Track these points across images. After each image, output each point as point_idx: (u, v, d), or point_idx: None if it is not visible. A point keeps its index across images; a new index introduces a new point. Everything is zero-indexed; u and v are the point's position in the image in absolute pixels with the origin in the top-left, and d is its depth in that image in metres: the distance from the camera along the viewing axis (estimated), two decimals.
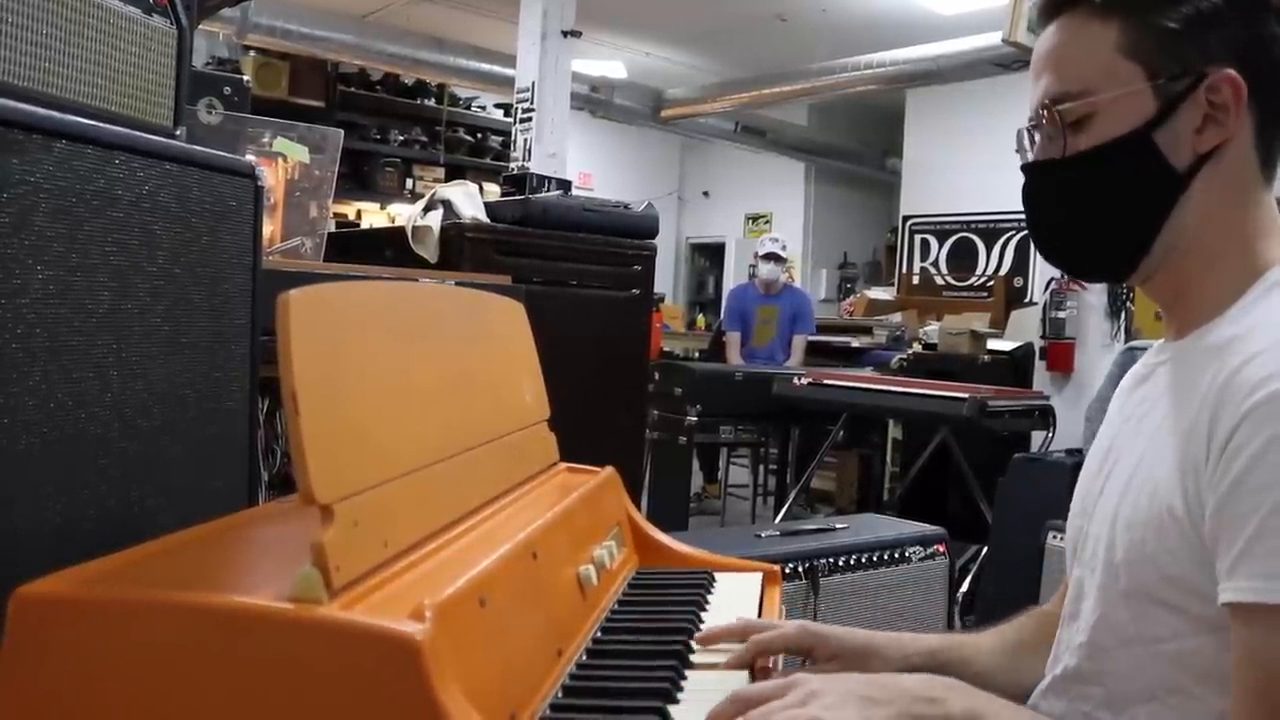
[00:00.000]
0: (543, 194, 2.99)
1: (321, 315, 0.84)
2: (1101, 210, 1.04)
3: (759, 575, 1.42)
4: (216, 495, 1.39)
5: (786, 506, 4.95)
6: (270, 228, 3.23)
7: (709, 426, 4.91)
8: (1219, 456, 0.88)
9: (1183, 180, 1.00)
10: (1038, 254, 1.16)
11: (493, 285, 2.30)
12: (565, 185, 3.22)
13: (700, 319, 11.04)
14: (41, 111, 1.12)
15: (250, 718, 0.74)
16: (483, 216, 2.78)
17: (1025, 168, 1.09)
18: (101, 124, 1.20)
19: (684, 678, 1.01)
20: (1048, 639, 1.16)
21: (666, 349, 8.48)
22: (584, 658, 1.05)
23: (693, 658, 1.08)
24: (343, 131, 2.35)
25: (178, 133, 1.42)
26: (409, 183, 9.31)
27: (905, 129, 9.96)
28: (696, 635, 1.14)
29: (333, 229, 7.47)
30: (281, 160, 3.32)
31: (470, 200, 2.77)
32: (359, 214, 9.23)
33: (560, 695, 0.95)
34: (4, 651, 0.78)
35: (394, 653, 0.72)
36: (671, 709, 0.92)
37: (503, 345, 1.31)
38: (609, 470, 1.43)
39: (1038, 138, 1.07)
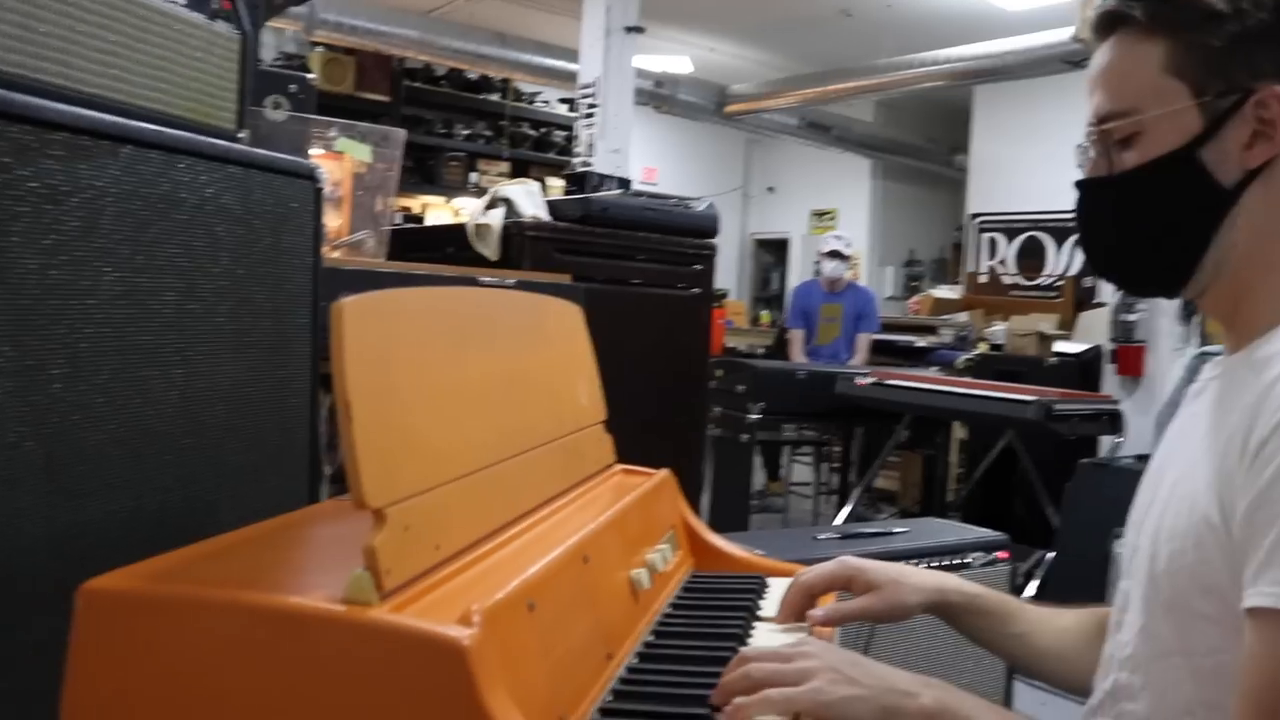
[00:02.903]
0: (603, 192, 2.99)
1: (374, 323, 0.85)
2: (1149, 227, 1.05)
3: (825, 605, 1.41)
4: (278, 491, 1.41)
5: (849, 506, 4.91)
6: (337, 221, 3.29)
7: (771, 424, 4.88)
8: (1250, 465, 0.88)
9: (1231, 196, 0.99)
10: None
11: (552, 284, 2.32)
12: (625, 183, 3.22)
13: (764, 315, 11.00)
14: (108, 118, 1.14)
15: (302, 715, 0.75)
16: (544, 215, 2.80)
17: (1077, 184, 1.10)
18: (166, 129, 1.23)
19: None
20: (1100, 634, 1.17)
21: (730, 345, 8.45)
22: (635, 661, 1.06)
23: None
24: (405, 131, 2.37)
25: (241, 135, 1.45)
26: (473, 177, 9.37)
27: (972, 125, 9.84)
28: (777, 615, 1.22)
29: (398, 222, 7.56)
30: (349, 155, 3.37)
31: (531, 199, 2.78)
32: (424, 207, 9.32)
33: (609, 699, 0.96)
34: (72, 644, 0.80)
35: (441, 656, 0.73)
36: (720, 716, 0.92)
37: (558, 347, 1.32)
38: (664, 473, 1.44)
39: (1091, 155, 1.07)
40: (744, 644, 1.14)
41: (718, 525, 4.54)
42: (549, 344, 1.29)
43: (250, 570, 0.89)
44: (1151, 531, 1.04)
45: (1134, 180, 1.03)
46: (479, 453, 1.00)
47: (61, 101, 1.11)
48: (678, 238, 3.00)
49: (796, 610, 1.22)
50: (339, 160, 3.28)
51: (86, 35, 1.20)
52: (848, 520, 4.74)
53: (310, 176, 1.48)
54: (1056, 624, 1.25)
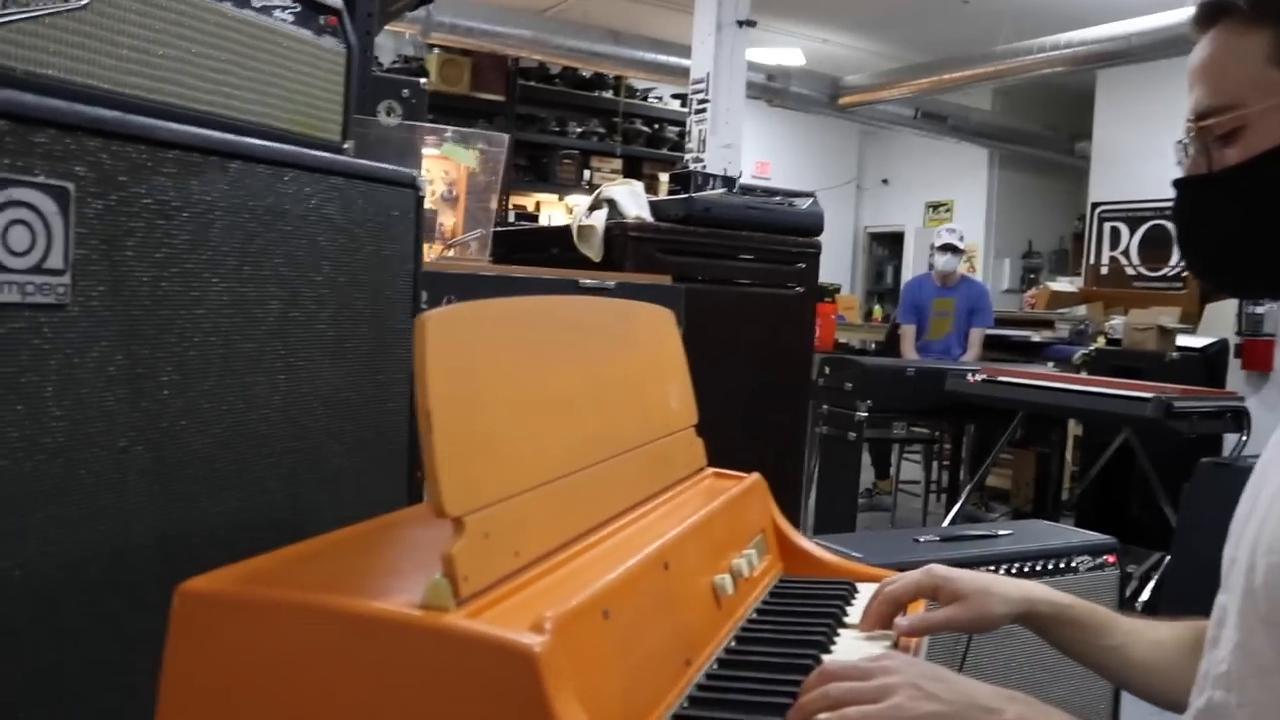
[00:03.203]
0: (706, 192, 3.00)
1: (457, 335, 0.88)
2: (1252, 227, 1.01)
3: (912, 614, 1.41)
4: (379, 493, 1.46)
5: (958, 506, 4.84)
6: (452, 220, 3.36)
7: (880, 422, 4.84)
8: None
9: None
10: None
11: (651, 285, 2.34)
12: (730, 182, 3.22)
13: (877, 310, 10.87)
14: (218, 135, 1.20)
15: (380, 717, 0.78)
16: (647, 215, 2.82)
17: (1175, 183, 1.07)
18: (272, 143, 1.28)
19: None
20: (1197, 649, 1.14)
21: (842, 340, 8.37)
22: (715, 667, 1.07)
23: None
24: (508, 135, 2.42)
25: (345, 146, 1.50)
26: (586, 174, 9.47)
27: (1095, 111, 9.58)
28: (860, 623, 1.21)
29: (511, 221, 7.67)
30: (476, 152, 3.44)
31: (634, 199, 2.81)
32: (538, 205, 9.45)
33: (685, 705, 0.97)
34: (169, 642, 0.85)
35: (512, 663, 0.75)
36: None
37: (648, 353, 1.34)
38: (754, 477, 1.44)
39: (1190, 152, 1.04)
40: (827, 651, 1.14)
41: (824, 525, 4.52)
42: (637, 349, 1.31)
43: (340, 573, 0.93)
44: (1250, 542, 1.00)
45: (1236, 178, 1.00)
46: (561, 460, 1.02)
47: (175, 120, 1.17)
48: (782, 236, 3.00)
49: (881, 620, 1.20)
50: (452, 160, 3.36)
51: (200, 55, 1.26)
52: (957, 520, 4.67)
53: (411, 185, 1.52)
54: (1152, 636, 1.22)
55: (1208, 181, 1.03)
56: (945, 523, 4.73)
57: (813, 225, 3.11)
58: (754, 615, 1.24)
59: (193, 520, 1.17)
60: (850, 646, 1.15)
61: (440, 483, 0.81)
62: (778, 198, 3.20)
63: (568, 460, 1.04)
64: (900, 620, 1.19)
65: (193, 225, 1.16)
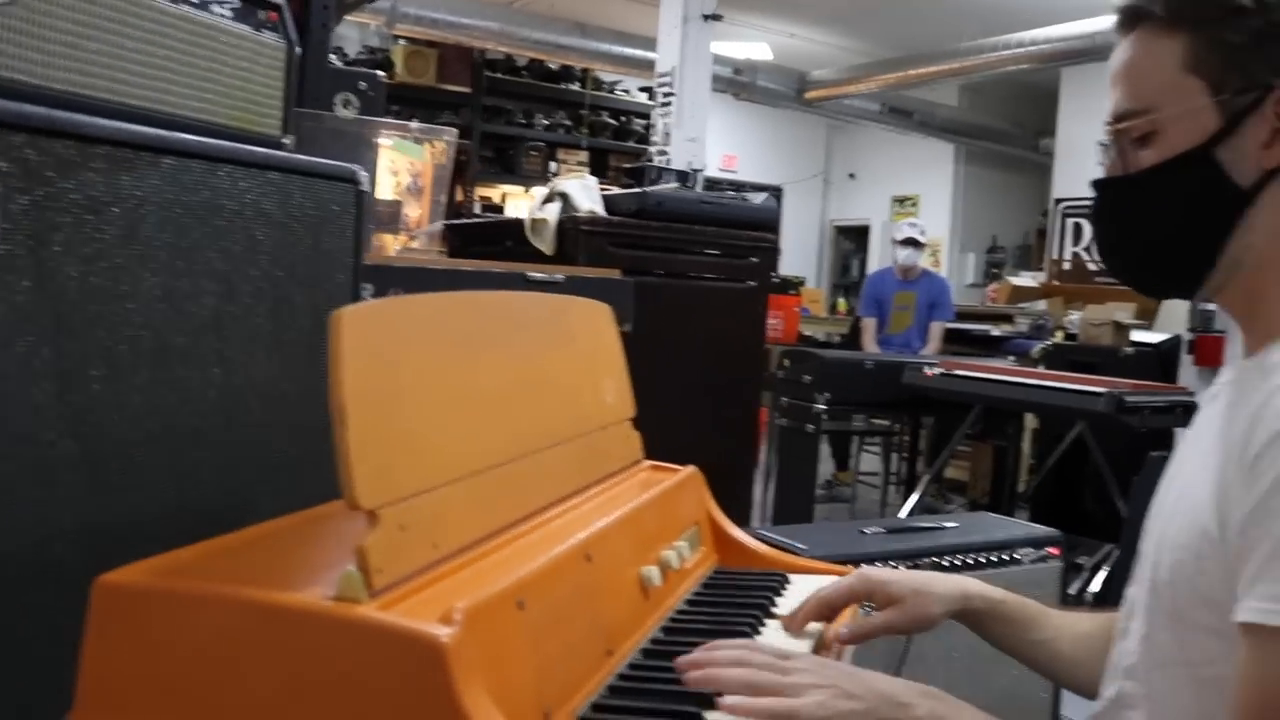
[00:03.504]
0: (660, 186, 3.02)
1: (375, 331, 0.89)
2: (1165, 228, 1.04)
3: (835, 578, 1.43)
4: (317, 485, 1.46)
5: (915, 497, 4.89)
6: (418, 211, 3.36)
7: (839, 415, 4.87)
8: (1246, 476, 0.88)
9: (1248, 195, 0.98)
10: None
11: (600, 279, 2.35)
12: (684, 177, 3.24)
13: (841, 303, 10.93)
14: (150, 130, 1.20)
15: (293, 709, 0.80)
16: (600, 209, 2.84)
17: (1093, 184, 1.09)
18: (207, 139, 1.28)
19: None
20: (1104, 632, 1.19)
21: (806, 333, 8.41)
22: (638, 658, 1.09)
23: None
24: (455, 130, 2.42)
25: (285, 141, 1.50)
26: (553, 166, 9.46)
27: (1059, 108, 9.66)
28: (785, 623, 1.21)
29: (478, 210, 7.65)
30: (430, 146, 3.44)
31: (587, 193, 2.82)
32: (504, 197, 9.44)
33: (605, 694, 0.99)
34: (87, 635, 0.86)
35: (420, 654, 0.76)
36: (710, 714, 0.95)
37: (582, 347, 1.35)
38: (689, 469, 1.46)
39: (1109, 154, 1.07)
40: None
41: (782, 516, 4.55)
42: (571, 344, 1.32)
43: (259, 566, 0.94)
44: (1157, 538, 1.04)
45: (1150, 180, 1.02)
46: (486, 453, 1.04)
47: (108, 115, 1.17)
48: (735, 230, 3.02)
49: (810, 621, 1.21)
50: (422, 150, 3.36)
51: (134, 50, 1.26)
52: (914, 511, 4.72)
53: (351, 180, 1.53)
54: (1079, 629, 1.25)
55: (1124, 183, 1.05)
56: (903, 514, 4.77)
57: (767, 220, 3.13)
58: (683, 606, 1.26)
59: (122, 513, 1.18)
60: (774, 642, 1.17)
61: (353, 476, 0.83)
62: (731, 192, 3.22)
63: (493, 453, 1.05)
64: (840, 630, 1.19)
65: (124, 220, 1.16)
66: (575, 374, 1.31)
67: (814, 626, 1.21)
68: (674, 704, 0.96)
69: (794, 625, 1.20)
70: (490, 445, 1.05)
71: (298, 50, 1.53)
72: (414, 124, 2.31)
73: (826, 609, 1.21)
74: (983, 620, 1.25)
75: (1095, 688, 1.20)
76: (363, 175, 1.54)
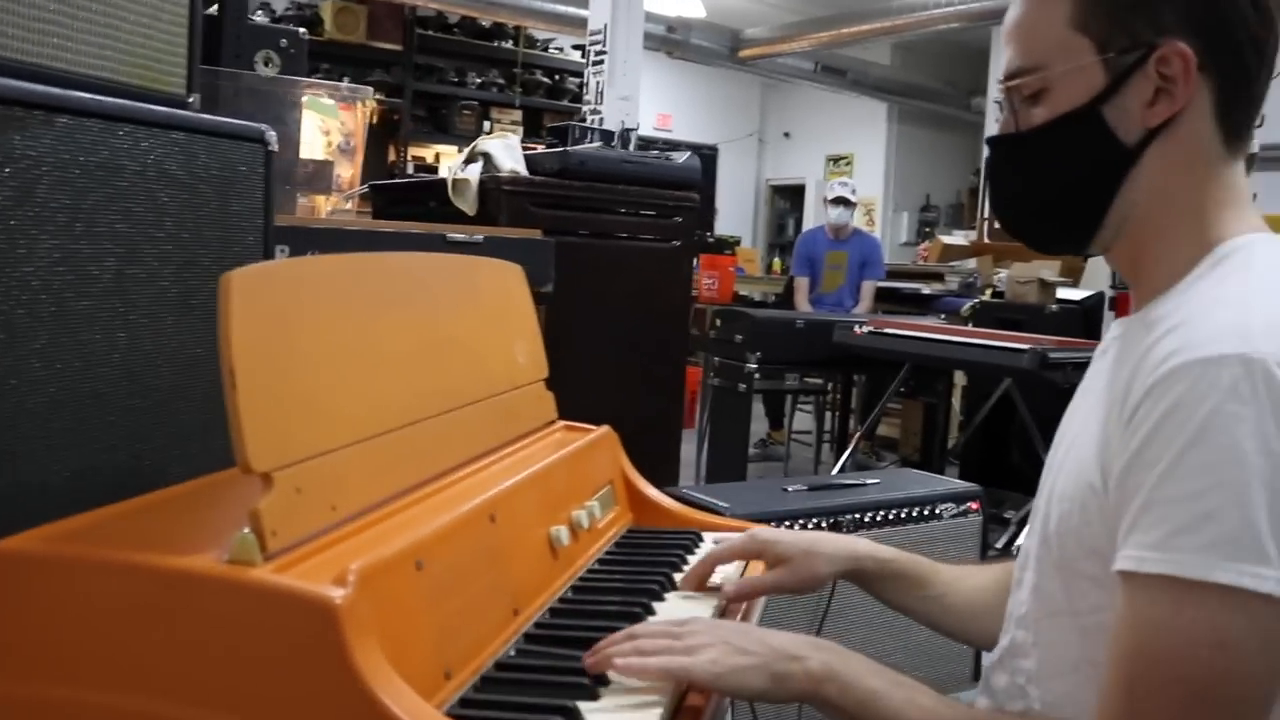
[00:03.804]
0: (582, 146, 3.01)
1: (265, 292, 0.88)
2: (1053, 184, 1.05)
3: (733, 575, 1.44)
4: (229, 450, 1.45)
5: (847, 454, 4.95)
6: (350, 171, 3.32)
7: (772, 374, 4.91)
8: (1124, 429, 0.90)
9: (1133, 154, 1.00)
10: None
11: (521, 239, 2.34)
12: (608, 136, 3.23)
13: (776, 263, 10.98)
14: (41, 89, 1.17)
15: (188, 672, 0.80)
16: (522, 169, 2.82)
17: (987, 141, 1.10)
18: (105, 97, 1.26)
19: None
20: (997, 584, 1.23)
21: (742, 293, 8.45)
22: (546, 616, 1.10)
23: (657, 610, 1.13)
24: (372, 89, 2.39)
25: (190, 100, 1.47)
26: (486, 125, 9.35)
27: (990, 68, 9.73)
28: (680, 582, 1.23)
29: (411, 171, 7.54)
30: (361, 105, 3.39)
31: (509, 153, 2.80)
32: (437, 157, 9.32)
33: (511, 653, 1.00)
34: None
35: (313, 615, 0.77)
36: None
37: (492, 308, 1.35)
38: (603, 429, 1.47)
39: (1002, 111, 1.08)
40: (660, 600, 1.18)
41: (715, 475, 4.58)
42: (481, 305, 1.32)
43: (155, 531, 0.94)
44: (1048, 491, 1.06)
45: (1039, 137, 1.04)
46: (388, 415, 1.04)
47: None
48: (659, 190, 3.02)
49: (700, 580, 1.24)
50: (352, 109, 3.31)
51: (26, 5, 1.23)
52: (846, 468, 4.77)
53: (259, 139, 1.50)
54: (971, 583, 1.28)
55: (1015, 140, 1.06)
56: (834, 471, 4.83)
57: (690, 179, 3.13)
58: (595, 566, 1.27)
59: (24, 480, 1.16)
60: (677, 607, 1.17)
61: (245, 439, 0.83)
62: (655, 152, 3.22)
63: (396, 415, 1.05)
64: (726, 588, 1.22)
65: (16, 181, 1.14)
66: (484, 335, 1.31)
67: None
68: (575, 661, 0.97)
69: (686, 584, 1.23)
70: (393, 407, 1.05)
71: (202, 6, 1.50)
72: (328, 83, 2.28)
73: (714, 567, 1.25)
74: (873, 580, 1.28)
75: (988, 639, 1.23)
76: (271, 135, 1.52)
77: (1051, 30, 1.01)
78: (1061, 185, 1.05)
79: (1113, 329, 1.11)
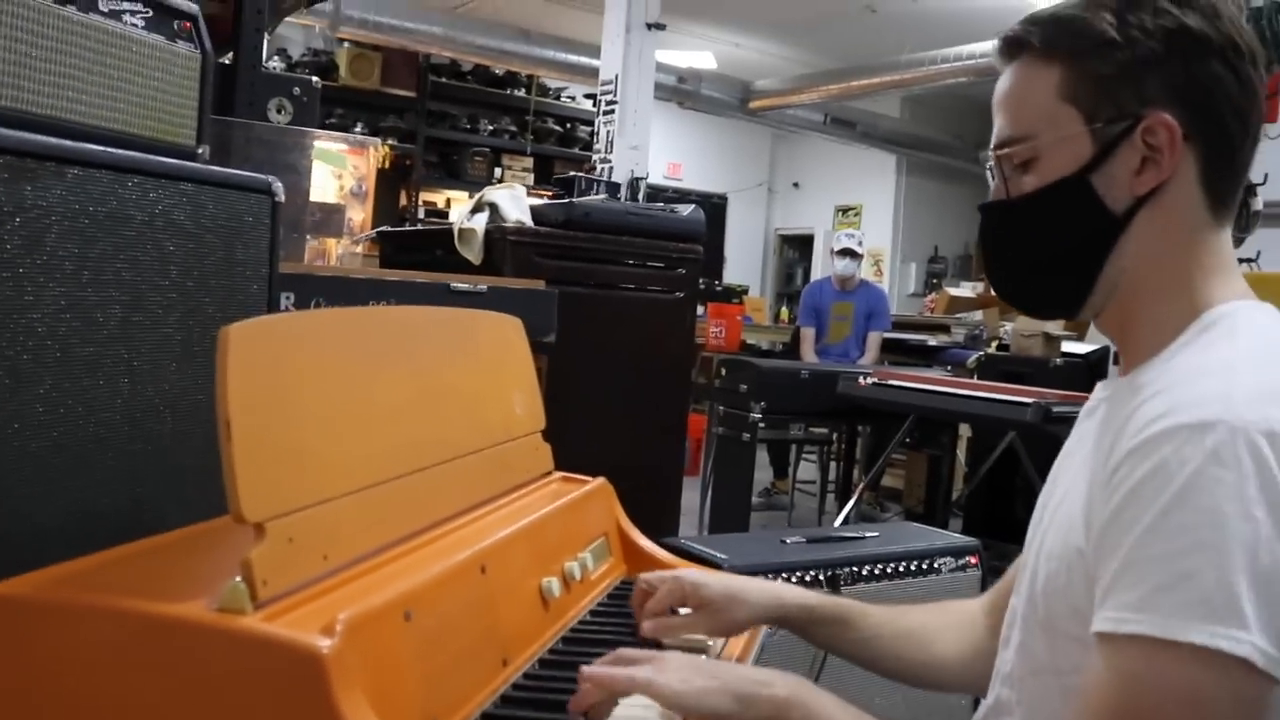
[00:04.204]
0: (588, 197, 3.04)
1: (262, 346, 0.90)
2: (1044, 251, 1.07)
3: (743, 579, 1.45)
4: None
5: (850, 505, 4.94)
6: (362, 215, 3.35)
7: (776, 423, 4.91)
8: (1105, 491, 0.91)
9: (1121, 222, 1.02)
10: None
11: (524, 290, 2.37)
12: (614, 188, 3.27)
13: (784, 312, 11.01)
14: (53, 141, 1.20)
15: (178, 718, 0.81)
16: (527, 220, 2.85)
17: (980, 208, 1.12)
18: (115, 149, 1.29)
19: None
20: (947, 627, 1.26)
21: (750, 341, 8.47)
22: (534, 668, 1.11)
23: None
24: (379, 139, 2.43)
25: (200, 151, 1.50)
26: (498, 172, 9.46)
27: None
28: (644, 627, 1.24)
29: (422, 216, 7.61)
30: (374, 149, 3.44)
31: (515, 203, 2.84)
32: (448, 202, 9.41)
33: (497, 703, 1.01)
34: None
35: (301, 664, 0.78)
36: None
37: (489, 360, 1.37)
38: (598, 481, 1.48)
39: (994, 179, 1.10)
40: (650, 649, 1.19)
41: (718, 525, 4.57)
42: (479, 358, 1.34)
43: (149, 577, 0.95)
44: (1035, 550, 1.07)
45: (1029, 205, 1.06)
46: (383, 466, 1.05)
47: (9, 125, 1.17)
48: (663, 242, 3.05)
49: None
50: (362, 155, 3.36)
51: (41, 60, 1.26)
52: (850, 519, 4.77)
53: (266, 190, 1.53)
54: (898, 625, 1.29)
55: (1006, 208, 1.09)
56: (838, 522, 4.82)
57: (694, 232, 3.16)
58: (586, 617, 1.28)
59: (25, 523, 1.18)
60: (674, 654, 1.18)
61: (239, 489, 0.84)
62: (660, 204, 3.25)
63: (391, 467, 1.07)
64: (645, 624, 1.22)
65: (26, 230, 1.16)
66: (481, 387, 1.33)
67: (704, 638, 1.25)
68: (562, 714, 0.98)
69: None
70: (388, 459, 1.07)
71: (214, 60, 1.53)
72: (337, 133, 2.31)
73: (644, 599, 1.26)
74: (802, 626, 1.29)
75: (916, 678, 1.28)
76: (278, 186, 1.54)
77: (1041, 100, 1.03)
78: (1051, 252, 1.07)
79: (1099, 390, 1.12)
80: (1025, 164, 1.05)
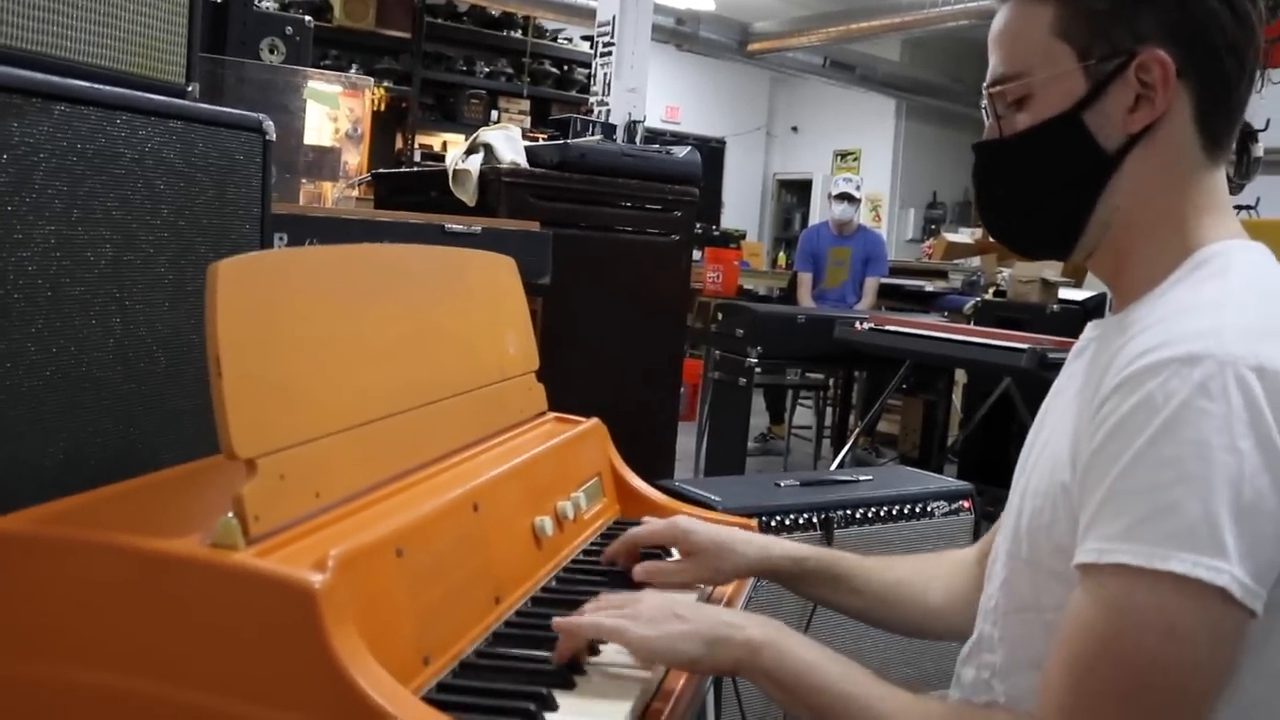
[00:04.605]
0: (583, 139, 3.02)
1: (251, 282, 0.90)
2: (1036, 190, 1.07)
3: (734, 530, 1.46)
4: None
5: (845, 450, 4.96)
6: (357, 158, 3.33)
7: (773, 368, 4.91)
8: (1091, 425, 0.92)
9: (1114, 160, 1.01)
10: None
11: (519, 231, 2.36)
12: (609, 129, 3.24)
13: (782, 257, 10.99)
14: (40, 76, 1.19)
15: (171, 652, 0.82)
16: (523, 161, 2.83)
17: (974, 147, 1.12)
18: (103, 86, 1.27)
19: None
20: (937, 577, 1.28)
21: (747, 287, 8.45)
22: (527, 605, 1.12)
23: None
24: (374, 79, 2.40)
25: (189, 89, 1.49)
26: (494, 115, 9.36)
27: None
28: (602, 556, 1.27)
29: (418, 159, 7.54)
30: (368, 91, 3.41)
31: (510, 144, 2.81)
32: (444, 145, 9.32)
33: (490, 640, 1.02)
34: None
35: (292, 599, 0.78)
36: (592, 658, 0.99)
37: (483, 300, 1.37)
38: (592, 421, 1.48)
39: (988, 117, 1.09)
40: (642, 588, 1.20)
41: (714, 468, 4.59)
42: (471, 297, 1.33)
43: (144, 514, 0.95)
44: (1021, 489, 1.08)
45: (1022, 143, 1.05)
46: (374, 404, 1.05)
47: None
48: (658, 184, 3.03)
49: (615, 557, 1.26)
50: (358, 97, 3.32)
51: None
52: (845, 463, 4.79)
53: (257, 129, 1.52)
54: (892, 575, 1.30)
55: (999, 146, 1.08)
56: (833, 467, 4.84)
57: (690, 174, 3.14)
58: (579, 556, 1.29)
59: (19, 461, 1.18)
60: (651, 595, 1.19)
61: (229, 425, 0.84)
62: (656, 146, 3.23)
63: (382, 405, 1.07)
64: (636, 567, 1.23)
65: (14, 168, 1.15)
66: (473, 327, 1.32)
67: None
68: (553, 648, 0.99)
69: (603, 557, 1.27)
70: (379, 397, 1.07)
71: None
72: (329, 72, 2.29)
73: (632, 546, 1.27)
74: (790, 579, 1.30)
75: (908, 628, 1.29)
76: (269, 124, 1.53)
77: (1034, 38, 1.02)
78: (1044, 191, 1.06)
79: (1088, 330, 1.12)
80: (1018, 102, 1.05)
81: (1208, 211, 1.02)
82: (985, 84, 1.08)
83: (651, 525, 1.27)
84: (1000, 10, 1.07)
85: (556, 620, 0.99)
